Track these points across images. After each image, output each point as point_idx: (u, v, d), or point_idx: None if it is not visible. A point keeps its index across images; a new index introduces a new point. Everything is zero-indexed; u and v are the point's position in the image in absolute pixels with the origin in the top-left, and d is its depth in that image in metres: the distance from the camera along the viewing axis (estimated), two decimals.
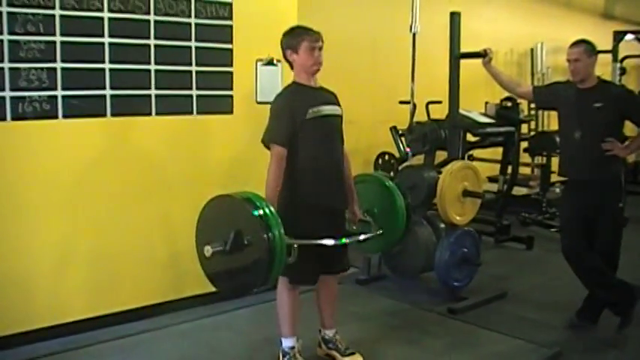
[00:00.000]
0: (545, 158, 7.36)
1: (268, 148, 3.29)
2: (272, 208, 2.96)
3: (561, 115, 4.15)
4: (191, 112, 4.29)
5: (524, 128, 7.33)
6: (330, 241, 3.27)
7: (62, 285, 3.86)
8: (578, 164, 4.03)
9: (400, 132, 5.62)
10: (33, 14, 3.57)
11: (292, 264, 3.04)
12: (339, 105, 3.47)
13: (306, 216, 3.25)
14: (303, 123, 3.25)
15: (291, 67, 3.43)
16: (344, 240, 3.38)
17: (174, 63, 4.17)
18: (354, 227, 3.64)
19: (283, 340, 3.42)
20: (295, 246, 3.04)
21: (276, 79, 4.62)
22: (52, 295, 3.82)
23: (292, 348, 3.40)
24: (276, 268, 2.92)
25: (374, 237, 3.66)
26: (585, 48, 3.94)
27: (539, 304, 4.63)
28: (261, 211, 2.91)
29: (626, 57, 9.34)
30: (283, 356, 3.41)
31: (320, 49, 3.35)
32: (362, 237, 3.55)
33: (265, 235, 2.85)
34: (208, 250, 2.93)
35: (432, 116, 5.68)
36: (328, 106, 3.36)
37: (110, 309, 4.03)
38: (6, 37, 3.51)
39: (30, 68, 3.60)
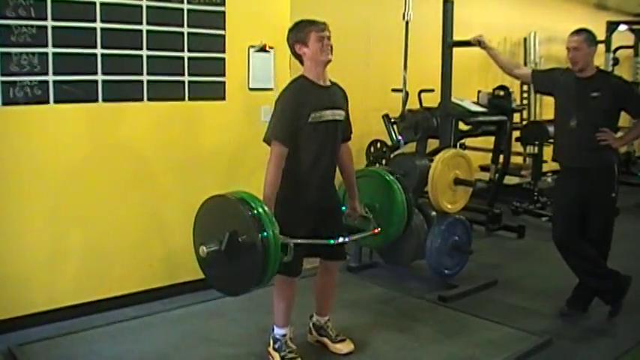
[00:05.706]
0: (537, 147, 7.37)
1: (269, 144, 3.22)
2: (266, 208, 2.95)
3: (558, 102, 4.16)
4: (183, 98, 4.27)
5: (516, 117, 7.33)
6: (324, 241, 3.30)
7: (55, 271, 3.85)
8: (572, 152, 4.03)
9: (392, 120, 5.62)
10: None
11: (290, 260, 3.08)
12: (345, 104, 3.42)
13: (303, 215, 3.25)
14: (304, 126, 3.20)
15: (301, 63, 3.31)
16: (339, 239, 3.39)
17: (166, 49, 4.15)
18: (355, 222, 3.64)
19: (276, 327, 3.43)
20: (291, 245, 3.04)
21: (268, 66, 4.61)
22: (44, 280, 3.82)
23: (284, 335, 3.41)
24: (271, 268, 2.92)
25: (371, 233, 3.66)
26: (586, 37, 3.93)
27: (530, 293, 4.66)
28: (254, 211, 2.91)
29: (619, 47, 9.35)
30: (274, 343, 3.41)
31: (328, 38, 3.24)
32: (355, 237, 3.57)
33: (259, 235, 2.85)
34: (203, 251, 2.95)
35: (425, 104, 5.68)
36: (331, 110, 3.29)
37: (102, 295, 4.03)
38: None
39: (21, 53, 3.57)
